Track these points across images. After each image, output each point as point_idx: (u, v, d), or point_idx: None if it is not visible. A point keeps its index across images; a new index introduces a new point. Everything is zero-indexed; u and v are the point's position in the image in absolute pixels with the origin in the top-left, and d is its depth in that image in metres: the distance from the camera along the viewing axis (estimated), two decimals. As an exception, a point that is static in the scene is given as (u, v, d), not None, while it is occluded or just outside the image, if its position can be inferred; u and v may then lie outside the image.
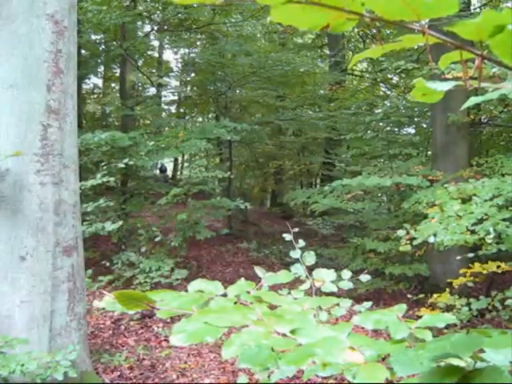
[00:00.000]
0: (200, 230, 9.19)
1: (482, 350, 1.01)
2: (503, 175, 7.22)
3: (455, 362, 0.96)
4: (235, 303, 1.30)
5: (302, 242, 3.27)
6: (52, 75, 4.43)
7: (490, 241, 6.50)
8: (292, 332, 1.04)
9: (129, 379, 5.89)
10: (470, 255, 6.71)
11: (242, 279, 1.59)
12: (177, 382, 5.93)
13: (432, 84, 0.90)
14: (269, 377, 3.43)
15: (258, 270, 1.73)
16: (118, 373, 5.99)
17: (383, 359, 1.09)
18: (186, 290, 1.59)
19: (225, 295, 1.41)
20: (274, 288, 1.75)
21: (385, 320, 1.16)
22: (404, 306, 1.24)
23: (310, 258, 2.67)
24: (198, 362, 6.47)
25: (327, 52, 18.18)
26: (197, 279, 1.49)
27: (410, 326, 1.14)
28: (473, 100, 0.95)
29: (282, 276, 1.65)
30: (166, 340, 7.02)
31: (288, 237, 3.42)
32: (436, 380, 0.92)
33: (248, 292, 1.47)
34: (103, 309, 8.09)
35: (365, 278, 2.95)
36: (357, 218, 11.16)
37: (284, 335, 1.02)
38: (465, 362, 0.97)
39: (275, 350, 0.96)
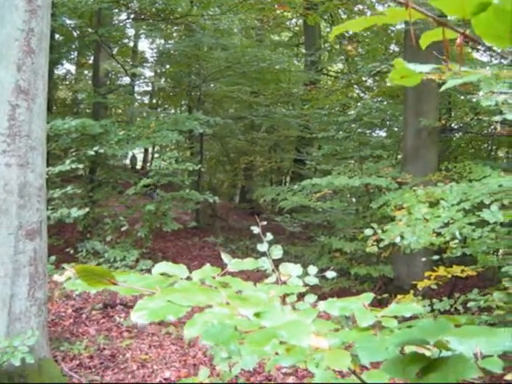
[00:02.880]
0: (167, 221, 9.12)
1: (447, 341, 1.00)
2: (471, 181, 7.30)
3: (420, 350, 0.94)
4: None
5: (269, 236, 3.26)
6: (23, 54, 4.33)
7: (455, 245, 6.59)
8: (256, 315, 1.02)
9: (88, 368, 5.81)
10: (435, 258, 6.78)
11: (208, 265, 1.56)
12: (137, 372, 5.87)
13: (411, 66, 0.89)
14: (230, 370, 3.41)
15: (225, 256, 1.70)
16: (78, 361, 5.91)
17: (348, 347, 1.08)
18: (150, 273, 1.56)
19: (189, 279, 1.38)
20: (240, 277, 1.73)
21: (351, 307, 1.14)
22: (371, 295, 1.23)
23: (277, 251, 2.65)
24: (159, 354, 6.41)
25: (303, 51, 18.21)
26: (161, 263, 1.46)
27: (376, 314, 1.13)
28: (451, 83, 0.93)
29: (248, 263, 1.63)
30: (127, 330, 6.94)
31: (256, 230, 3.40)
32: (400, 368, 0.90)
33: (213, 277, 1.44)
34: (65, 297, 7.97)
35: (331, 274, 2.94)
36: (325, 217, 11.19)
37: (248, 318, 1.00)
38: (430, 351, 0.96)
39: (239, 330, 0.94)
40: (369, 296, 1.21)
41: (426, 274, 6.59)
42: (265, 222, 3.71)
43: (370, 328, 1.08)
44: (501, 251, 8.42)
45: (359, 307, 1.14)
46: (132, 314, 1.00)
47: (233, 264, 1.61)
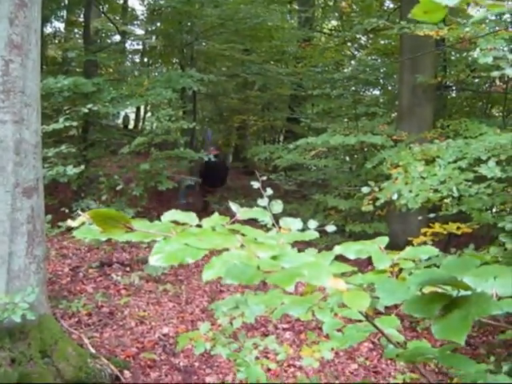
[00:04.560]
0: (162, 180, 9.09)
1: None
2: (466, 138, 7.28)
3: (440, 290, 0.94)
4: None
5: (269, 191, 3.25)
6: (15, 8, 4.22)
7: (451, 202, 6.60)
8: (274, 258, 1.01)
9: (87, 325, 5.86)
10: (431, 215, 6.81)
11: (216, 213, 1.54)
12: (135, 329, 5.92)
13: (437, -1, 0.86)
14: (231, 323, 3.44)
15: (233, 205, 1.69)
16: (76, 319, 5.96)
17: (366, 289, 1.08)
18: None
19: (199, 226, 1.37)
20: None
21: (367, 250, 1.14)
22: (386, 238, 1.22)
23: (277, 206, 2.64)
24: (157, 311, 6.47)
25: (297, 8, 17.92)
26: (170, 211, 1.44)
27: (392, 257, 1.12)
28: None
29: (257, 212, 1.62)
30: (125, 288, 6.98)
31: (256, 184, 3.39)
32: (421, 306, 0.90)
33: (223, 225, 1.43)
34: (62, 256, 7.99)
35: (331, 228, 2.95)
36: (319, 176, 11.19)
37: (268, 260, 0.99)
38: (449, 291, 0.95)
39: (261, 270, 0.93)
40: (384, 239, 1.20)
41: (422, 230, 6.63)
42: (264, 178, 3.69)
43: (387, 270, 1.08)
44: (494, 209, 8.48)
45: (375, 250, 1.13)
46: (149, 258, 0.99)
47: (242, 213, 1.60)
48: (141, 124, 19.23)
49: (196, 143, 13.29)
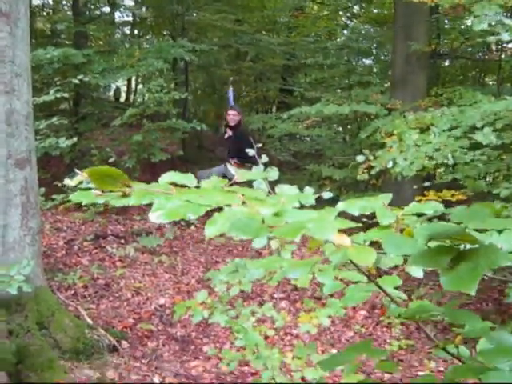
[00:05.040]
0: (155, 152, 9.03)
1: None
2: (460, 106, 7.24)
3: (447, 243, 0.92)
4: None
5: (265, 158, 3.23)
6: (2, -25, 4.13)
7: (443, 170, 6.60)
8: (276, 214, 0.99)
9: (83, 297, 5.86)
10: (426, 184, 6.82)
11: (214, 176, 1.52)
12: (132, 300, 5.94)
13: None
14: (228, 290, 3.44)
15: (231, 168, 1.66)
16: (72, 291, 5.95)
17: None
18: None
19: (198, 188, 1.34)
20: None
21: (371, 206, 1.11)
22: (390, 195, 1.20)
23: (273, 173, 2.62)
24: (153, 282, 6.48)
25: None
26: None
27: (397, 213, 1.10)
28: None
29: (256, 174, 1.59)
30: (120, 260, 6.98)
31: (251, 152, 3.36)
32: (430, 259, 0.88)
33: (222, 187, 1.41)
34: (56, 229, 7.96)
35: (327, 194, 2.93)
36: (313, 146, 11.16)
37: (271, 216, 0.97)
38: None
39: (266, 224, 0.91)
40: (388, 196, 1.18)
41: (417, 198, 6.64)
42: (260, 144, 3.65)
43: (392, 227, 1.06)
44: (489, 177, 8.49)
45: (380, 206, 1.11)
46: (150, 214, 0.97)
47: (240, 174, 1.57)
48: (132, 96, 19.05)
49: (188, 114, 13.18)
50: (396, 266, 1.40)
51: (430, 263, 0.90)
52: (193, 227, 8.57)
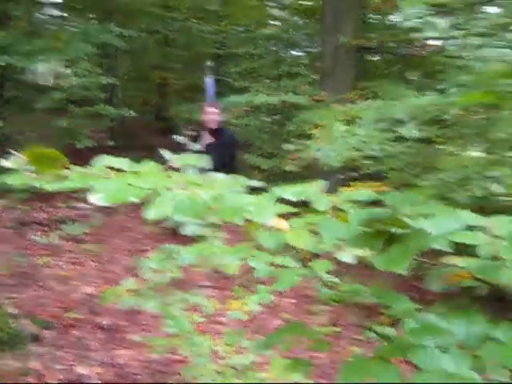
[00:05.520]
0: (81, 138, 8.83)
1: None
2: (384, 100, 7.46)
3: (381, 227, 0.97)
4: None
5: (196, 145, 3.23)
6: None
7: (370, 162, 6.79)
8: (215, 198, 1.01)
9: (5, 286, 5.67)
10: (351, 175, 7.00)
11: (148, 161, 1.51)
12: (58, 289, 5.80)
13: None
14: (158, 277, 3.42)
15: (165, 153, 1.66)
16: (-5, 280, 5.76)
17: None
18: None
19: (135, 173, 1.34)
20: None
21: (307, 192, 1.15)
22: (324, 182, 1.24)
23: (204, 161, 2.64)
24: (79, 271, 6.36)
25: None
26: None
27: (331, 199, 1.14)
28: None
29: (192, 158, 1.60)
30: (44, 248, 6.80)
31: (179, 138, 3.36)
32: (364, 241, 0.93)
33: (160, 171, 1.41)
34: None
35: (256, 183, 2.97)
36: (241, 135, 11.19)
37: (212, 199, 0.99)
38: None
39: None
40: (322, 182, 1.22)
41: (342, 189, 6.79)
42: (191, 132, 3.66)
43: (328, 212, 1.10)
44: (413, 170, 8.78)
45: (315, 191, 1.15)
46: (89, 196, 0.96)
47: (174, 159, 1.57)
48: (59, 81, 18.49)
49: (116, 100, 12.92)
50: (328, 253, 1.46)
51: (364, 245, 0.94)
52: (120, 216, 8.45)
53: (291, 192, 1.15)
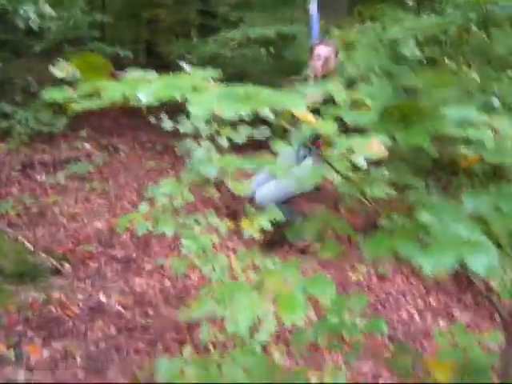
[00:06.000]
0: (78, 78, 8.77)
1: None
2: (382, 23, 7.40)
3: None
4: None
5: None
6: None
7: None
8: (254, 93, 1.10)
9: (18, 226, 5.82)
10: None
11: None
12: (68, 226, 5.95)
13: None
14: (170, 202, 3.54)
15: (185, 65, 1.73)
16: (6, 220, 5.90)
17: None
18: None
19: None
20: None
21: (330, 88, 1.25)
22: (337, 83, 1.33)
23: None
24: (88, 208, 6.50)
25: None
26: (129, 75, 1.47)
27: (351, 92, 1.24)
28: None
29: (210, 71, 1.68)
30: (52, 188, 6.92)
31: (187, 67, 3.40)
32: (384, 127, 1.03)
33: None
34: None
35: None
36: (237, 66, 11.11)
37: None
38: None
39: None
40: (336, 83, 1.32)
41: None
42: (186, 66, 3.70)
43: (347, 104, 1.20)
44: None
45: (336, 88, 1.25)
46: (137, 93, 1.05)
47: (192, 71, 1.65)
48: (49, 23, 18.16)
49: (107, 39, 12.76)
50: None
51: (384, 130, 1.04)
52: (122, 153, 8.54)
53: (315, 89, 1.25)
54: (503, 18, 6.31)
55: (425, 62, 6.49)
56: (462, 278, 5.06)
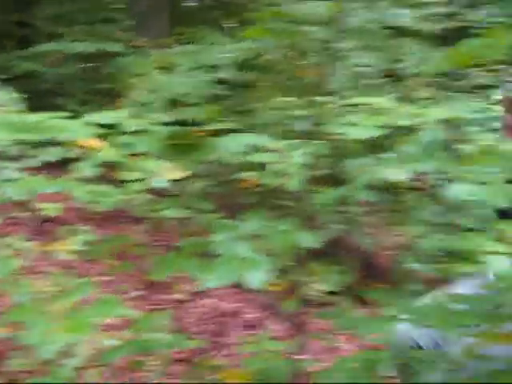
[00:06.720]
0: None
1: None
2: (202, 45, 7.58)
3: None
4: None
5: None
6: None
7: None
8: (38, 123, 1.12)
9: None
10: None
11: None
12: None
13: None
14: None
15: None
16: None
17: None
18: None
19: None
20: None
21: (117, 117, 1.30)
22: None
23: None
24: None
25: None
26: None
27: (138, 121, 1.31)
28: None
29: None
30: None
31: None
32: (168, 151, 1.11)
33: None
34: None
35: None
36: (54, 83, 10.71)
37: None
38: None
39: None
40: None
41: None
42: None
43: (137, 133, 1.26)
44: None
45: (123, 116, 1.31)
46: None
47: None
48: None
49: None
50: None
51: (169, 154, 1.13)
52: None
53: (104, 117, 1.29)
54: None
55: (243, 85, 6.77)
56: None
